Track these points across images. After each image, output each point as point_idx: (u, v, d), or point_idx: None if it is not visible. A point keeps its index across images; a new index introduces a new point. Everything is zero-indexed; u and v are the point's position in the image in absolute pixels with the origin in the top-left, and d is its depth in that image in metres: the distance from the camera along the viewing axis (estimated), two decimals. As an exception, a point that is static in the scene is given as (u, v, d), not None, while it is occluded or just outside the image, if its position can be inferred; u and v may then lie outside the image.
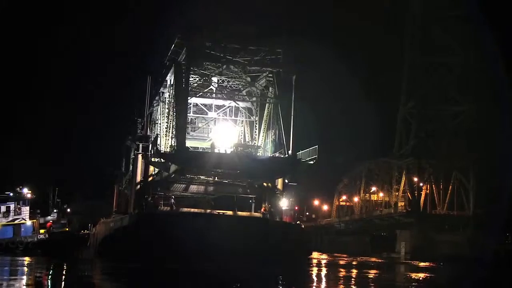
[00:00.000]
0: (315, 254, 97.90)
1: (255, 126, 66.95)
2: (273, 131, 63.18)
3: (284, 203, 63.02)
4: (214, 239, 49.51)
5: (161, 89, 65.79)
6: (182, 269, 45.08)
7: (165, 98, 64.73)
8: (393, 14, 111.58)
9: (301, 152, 60.29)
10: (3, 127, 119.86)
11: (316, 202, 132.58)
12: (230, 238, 49.68)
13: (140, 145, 60.73)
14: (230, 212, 59.47)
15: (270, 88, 64.20)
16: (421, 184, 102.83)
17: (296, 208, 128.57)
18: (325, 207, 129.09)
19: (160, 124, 65.61)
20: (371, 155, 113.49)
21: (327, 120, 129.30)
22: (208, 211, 58.24)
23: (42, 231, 64.89)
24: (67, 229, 74.17)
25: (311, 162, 59.00)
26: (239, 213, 60.27)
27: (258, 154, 62.60)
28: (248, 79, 64.20)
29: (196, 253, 48.04)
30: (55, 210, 72.88)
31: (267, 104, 64.34)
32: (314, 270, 57.92)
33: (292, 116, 59.59)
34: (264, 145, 64.50)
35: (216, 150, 61.34)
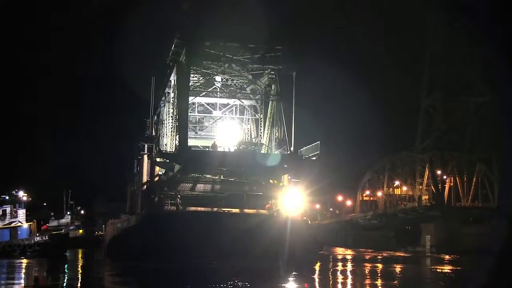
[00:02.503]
0: (339, 250, 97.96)
1: (260, 124, 67.33)
2: (276, 128, 63.46)
3: (291, 199, 62.89)
4: (218, 237, 49.76)
5: (167, 89, 66.53)
6: (186, 268, 45.13)
7: (171, 98, 65.51)
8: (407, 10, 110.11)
9: (304, 148, 60.53)
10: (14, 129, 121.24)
11: (340, 198, 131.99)
12: (234, 235, 49.84)
13: (146, 146, 61.46)
14: (236, 210, 59.41)
15: (272, 86, 64.57)
16: (444, 177, 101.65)
17: (317, 205, 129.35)
18: (349, 203, 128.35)
19: (166, 124, 66.38)
20: (393, 149, 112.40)
21: (342, 117, 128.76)
22: (215, 209, 58.16)
23: (54, 232, 65.63)
24: (81, 231, 75.39)
25: (314, 158, 59.28)
26: (246, 210, 60.15)
27: (262, 151, 62.88)
28: (250, 77, 64.59)
29: (200, 251, 48.32)
30: (68, 213, 74.16)
31: (270, 102, 64.67)
32: (339, 266, 57.59)
33: (293, 113, 59.89)
34: (269, 142, 64.84)
35: (219, 149, 61.84)
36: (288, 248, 52.28)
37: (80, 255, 69.81)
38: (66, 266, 52.76)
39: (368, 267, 56.61)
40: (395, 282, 42.83)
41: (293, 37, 60.40)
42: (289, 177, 61.59)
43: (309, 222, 65.68)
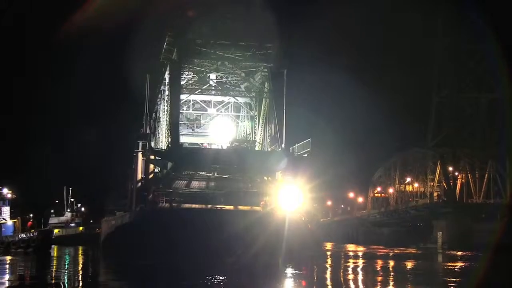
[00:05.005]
0: (351, 247, 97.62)
1: (255, 121, 67.41)
2: (270, 125, 63.52)
3: (288, 196, 62.62)
4: (213, 234, 49.73)
5: (162, 87, 66.88)
6: (180, 265, 44.92)
7: (165, 95, 65.88)
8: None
9: (296, 145, 60.47)
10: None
11: (351, 195, 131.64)
12: (229, 232, 49.74)
13: (140, 143, 61.90)
14: (230, 207, 59.38)
15: (266, 83, 64.62)
16: (456, 173, 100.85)
17: (329, 201, 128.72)
18: (360, 199, 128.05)
19: (162, 121, 66.78)
20: (404, 145, 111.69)
21: (344, 115, 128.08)
22: (209, 206, 58.21)
23: (56, 230, 65.78)
24: (81, 228, 75.80)
25: (305, 155, 59.18)
26: (240, 207, 60.10)
27: (255, 148, 62.97)
28: (243, 74, 64.68)
29: (195, 248, 48.33)
30: (68, 210, 74.50)
31: (263, 99, 64.76)
32: (351, 262, 57.10)
33: (284, 110, 59.86)
34: (262, 139, 64.87)
35: (213, 147, 62.09)
36: (285, 245, 52.04)
37: (67, 252, 69.39)
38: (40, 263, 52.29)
39: (379, 264, 55.31)
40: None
41: (284, 35, 59.83)
42: (281, 173, 61.52)
43: (303, 218, 65.29)
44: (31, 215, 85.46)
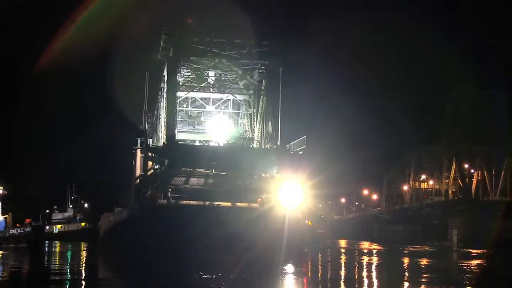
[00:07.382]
0: (365, 244, 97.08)
1: (253, 118, 67.48)
2: (267, 122, 63.56)
3: (288, 193, 62.38)
4: (210, 231, 49.79)
5: (162, 85, 67.27)
6: (177, 262, 44.97)
7: (165, 93, 66.24)
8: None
9: (292, 142, 60.41)
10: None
11: (365, 192, 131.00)
12: (226, 229, 49.78)
13: (139, 140, 62.50)
14: (228, 204, 59.31)
15: (263, 81, 64.69)
16: (472, 171, 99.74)
17: (343, 199, 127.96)
18: (374, 197, 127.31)
19: (161, 118, 67.19)
20: (419, 142, 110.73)
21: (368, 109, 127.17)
22: (207, 203, 58.25)
23: (59, 226, 66.65)
24: (83, 224, 76.59)
25: (301, 152, 59.08)
26: (238, 204, 60.02)
27: (253, 146, 63.03)
28: (240, 72, 64.78)
29: (192, 245, 48.50)
30: (70, 206, 75.27)
31: (261, 97, 64.82)
32: (365, 259, 56.83)
33: (279, 108, 59.97)
34: (260, 137, 64.89)
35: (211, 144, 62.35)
36: (286, 243, 51.89)
37: (59, 248, 69.88)
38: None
39: (391, 262, 54.75)
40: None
41: (279, 32, 59.94)
42: (277, 171, 61.51)
43: (300, 215, 65.01)
44: (47, 211, 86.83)
